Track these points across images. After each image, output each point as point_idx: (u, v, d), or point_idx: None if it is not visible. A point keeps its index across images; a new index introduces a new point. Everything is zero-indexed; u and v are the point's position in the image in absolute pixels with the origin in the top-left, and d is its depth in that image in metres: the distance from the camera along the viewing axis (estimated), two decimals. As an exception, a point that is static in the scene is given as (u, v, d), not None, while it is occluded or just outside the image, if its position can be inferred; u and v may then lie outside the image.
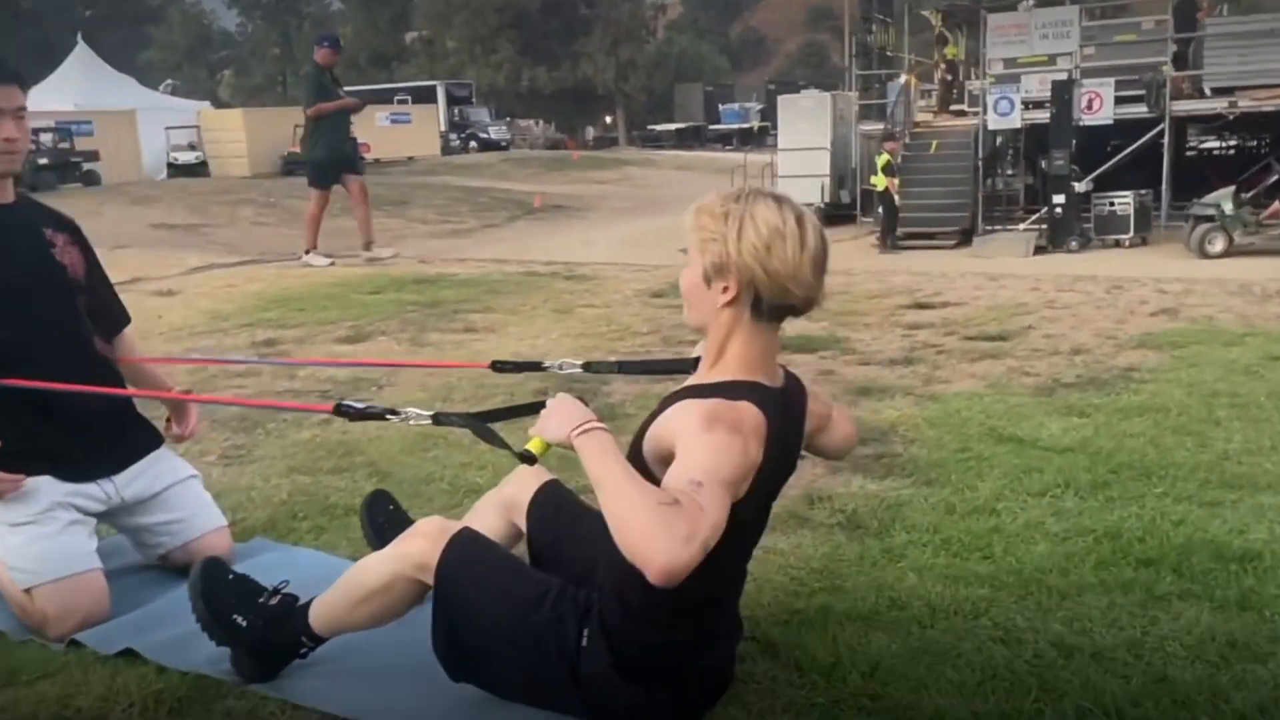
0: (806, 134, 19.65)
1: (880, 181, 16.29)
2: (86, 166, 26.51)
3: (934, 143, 17.69)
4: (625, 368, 2.74)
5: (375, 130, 34.75)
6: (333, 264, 9.20)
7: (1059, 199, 14.34)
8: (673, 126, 48.64)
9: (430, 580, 2.02)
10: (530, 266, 8.70)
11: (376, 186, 9.98)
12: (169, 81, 51.78)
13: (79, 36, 35.68)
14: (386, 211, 17.13)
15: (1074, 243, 14.07)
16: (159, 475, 2.79)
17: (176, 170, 29.78)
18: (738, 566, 2.01)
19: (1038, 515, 3.00)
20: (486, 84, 47.25)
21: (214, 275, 8.94)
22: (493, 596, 1.99)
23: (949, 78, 19.75)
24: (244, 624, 2.19)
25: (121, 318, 2.93)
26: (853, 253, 16.72)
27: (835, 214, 19.47)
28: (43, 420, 2.56)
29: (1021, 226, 15.84)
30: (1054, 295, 6.60)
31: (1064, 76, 14.95)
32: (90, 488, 2.64)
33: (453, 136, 39.89)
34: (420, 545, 2.03)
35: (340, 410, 2.20)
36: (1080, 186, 14.39)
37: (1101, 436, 3.68)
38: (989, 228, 16.26)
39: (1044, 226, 14.92)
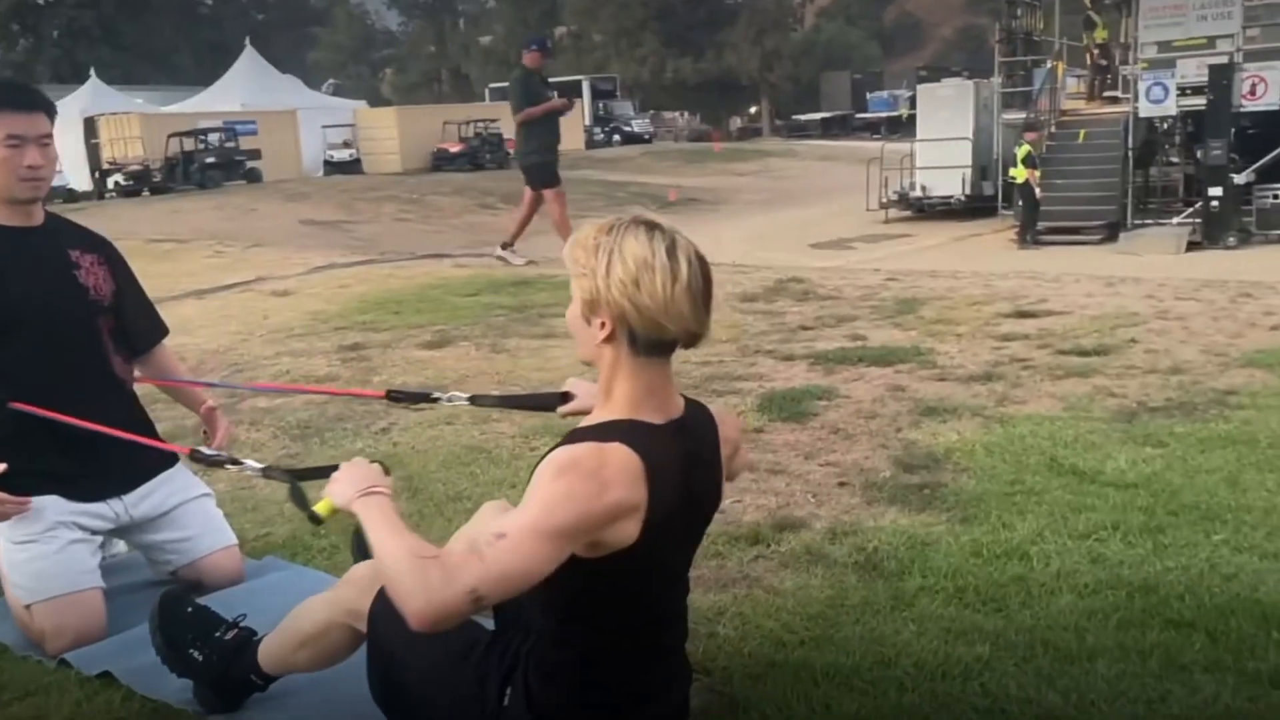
0: (947, 123, 19.01)
1: (1020, 173, 15.61)
2: (250, 165, 27.94)
3: (1081, 132, 16.83)
4: (504, 402, 2.67)
5: (521, 125, 35.56)
6: (528, 263, 9.27)
7: (1215, 191, 13.44)
8: (818, 116, 47.91)
9: (363, 628, 1.98)
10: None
11: (518, 182, 10.05)
12: (331, 81, 54.10)
13: (247, 40, 37.49)
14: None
15: (1232, 238, 13.16)
16: (170, 494, 2.85)
17: (332, 167, 31.06)
18: (652, 617, 1.87)
19: (1072, 562, 2.76)
20: (631, 77, 47.56)
21: (331, 275, 9.22)
22: (418, 649, 1.93)
23: (1101, 63, 18.74)
24: (200, 658, 2.21)
25: (154, 332, 3.00)
26: (987, 249, 16.12)
27: (976, 207, 18.81)
28: (51, 442, 2.64)
29: (1175, 221, 14.88)
30: (1170, 304, 6.13)
31: (1224, 60, 13.95)
32: (98, 507, 2.72)
33: (597, 130, 40.35)
34: (352, 593, 2.00)
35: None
36: (1240, 178, 13.43)
37: (1172, 470, 3.37)
38: (1140, 222, 15.37)
39: (1199, 221, 14.00)
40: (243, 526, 3.26)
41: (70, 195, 25.29)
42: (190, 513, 2.87)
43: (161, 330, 3.03)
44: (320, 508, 1.85)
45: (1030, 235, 14.88)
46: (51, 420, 2.59)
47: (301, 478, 2.08)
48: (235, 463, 2.27)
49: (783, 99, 51.19)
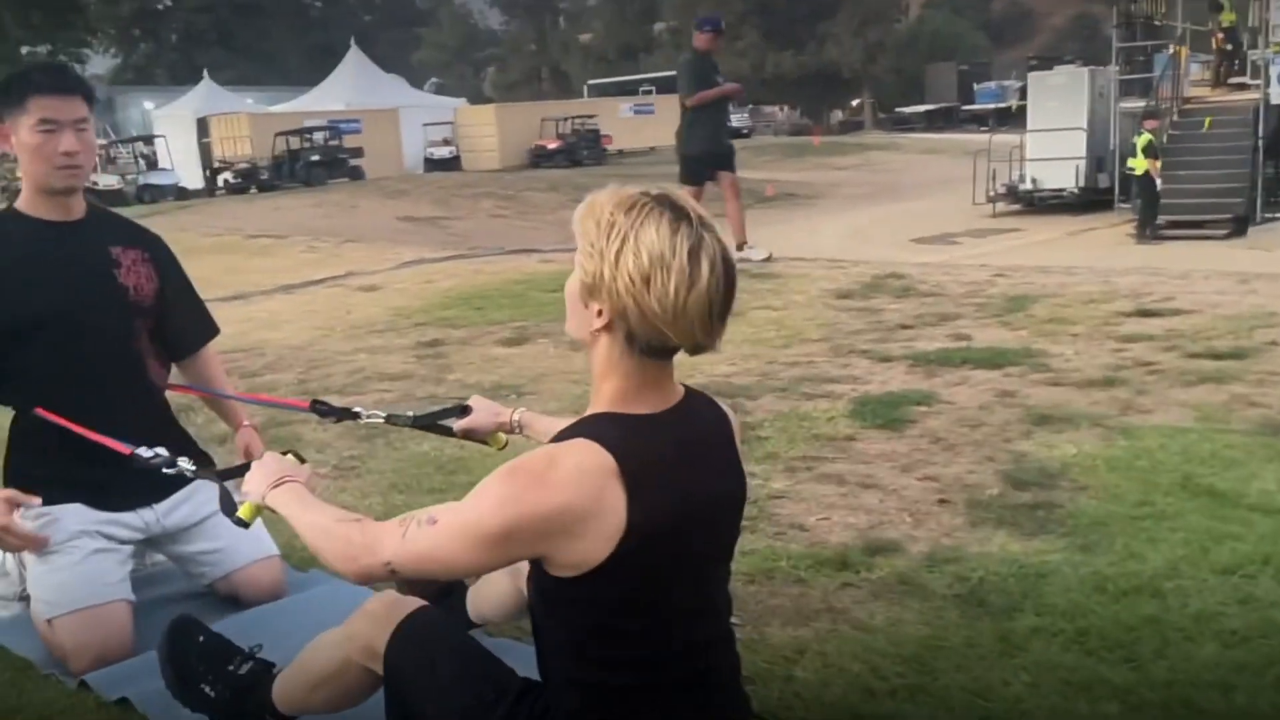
0: (1059, 113, 18.14)
1: (1140, 164, 14.78)
2: (352, 162, 28.36)
3: (1207, 120, 15.89)
4: (417, 422, 2.42)
5: (618, 121, 35.45)
6: (769, 257, 8.35)
7: (1355, 183, 12.47)
8: (923, 108, 46.68)
9: (379, 668, 1.73)
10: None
11: (612, 176, 9.75)
12: (433, 80, 54.86)
13: (352, 40, 38.18)
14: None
15: (1373, 232, 12.18)
16: (204, 503, 2.64)
17: (432, 165, 31.38)
18: (678, 638, 1.57)
19: (1216, 603, 2.37)
20: (730, 71, 46.94)
21: (419, 270, 9.12)
22: (440, 694, 1.67)
23: (1228, 47, 17.67)
24: (212, 694, 1.99)
25: (203, 333, 2.82)
26: (1103, 243, 15.28)
27: (1090, 200, 17.91)
28: (78, 449, 2.45)
29: (1311, 214, 13.91)
30: (1315, 303, 5.56)
31: (1367, 41, 12.95)
32: (127, 516, 2.53)
33: (694, 125, 39.94)
34: (367, 629, 1.75)
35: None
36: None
37: (1331, 495, 2.93)
38: (1271, 215, 14.42)
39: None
40: (291, 535, 3.05)
41: (181, 193, 26.02)
42: (224, 522, 2.63)
43: (210, 331, 2.84)
44: (243, 511, 1.84)
45: (1150, 229, 14.05)
46: (81, 423, 2.41)
47: (224, 478, 2.07)
48: (170, 465, 2.22)
49: (886, 92, 50.05)
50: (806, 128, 44.52)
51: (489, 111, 35.32)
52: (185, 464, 2.22)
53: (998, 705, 2.01)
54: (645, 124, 35.49)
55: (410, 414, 2.42)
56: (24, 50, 27.46)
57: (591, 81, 45.97)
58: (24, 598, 2.56)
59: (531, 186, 23.94)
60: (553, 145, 31.76)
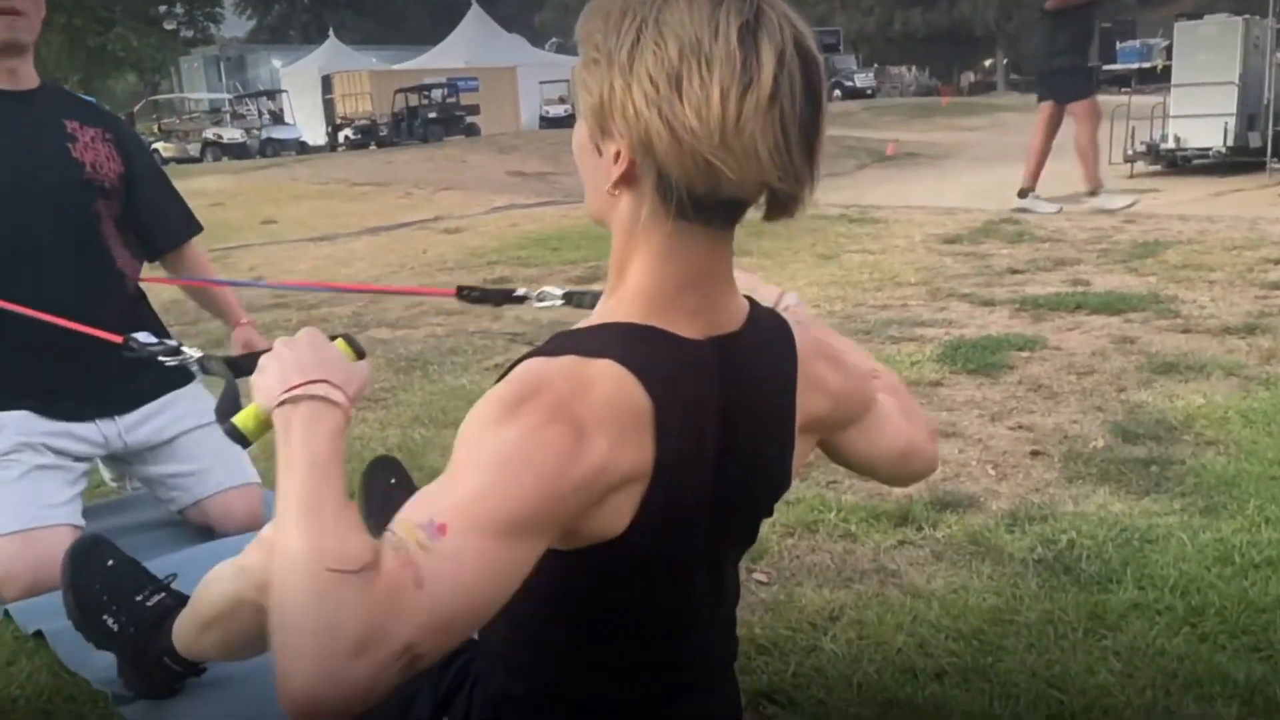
0: (1209, 67, 16.75)
1: (1297, 119, 13.49)
2: (469, 120, 28.39)
3: (1376, 71, 14.40)
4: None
5: (737, 80, 34.66)
6: (1060, 211, 7.25)
7: None
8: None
9: (275, 607, 1.37)
10: (820, 209, 7.76)
11: None
12: (554, 40, 54.69)
13: (473, 0, 38.27)
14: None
15: None
16: (175, 419, 2.35)
17: (547, 123, 31.21)
18: (667, 648, 1.12)
19: (1377, 583, 1.85)
20: (856, 30, 45.56)
21: (506, 215, 8.84)
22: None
23: None
24: (115, 627, 1.68)
25: (184, 228, 2.51)
26: (1250, 204, 14.03)
27: (1239, 162, 16.58)
28: (24, 345, 2.17)
29: None
30: None
31: None
32: (83, 428, 2.25)
33: (817, 85, 38.93)
34: (262, 559, 1.39)
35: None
36: None
37: None
38: None
39: None
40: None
41: (302, 148, 26.46)
42: (199, 442, 2.37)
43: (193, 226, 2.54)
44: (241, 419, 1.10)
45: (1306, 190, 12.83)
46: (22, 318, 2.11)
47: (237, 369, 1.39)
48: (174, 353, 1.70)
49: (1021, 52, 47.81)
50: (934, 89, 42.86)
51: (606, 70, 34.99)
52: (191, 351, 1.72)
53: (1075, 699, 1.55)
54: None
55: (597, 289, 1.79)
56: (161, 9, 28.12)
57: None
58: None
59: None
60: (672, 106, 31.30)
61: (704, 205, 0.94)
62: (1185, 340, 3.62)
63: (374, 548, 0.83)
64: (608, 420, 0.91)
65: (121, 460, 2.39)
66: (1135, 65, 44.94)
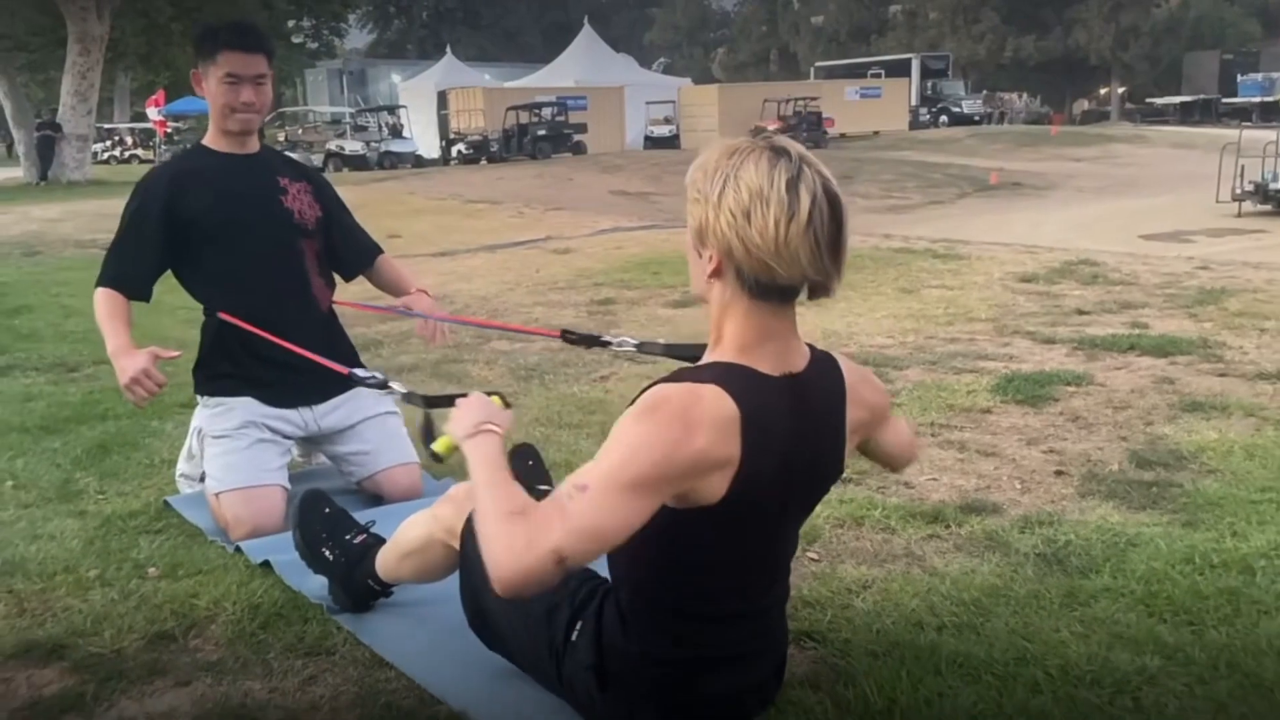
0: (1325, 105, 16.67)
1: None
2: (576, 138, 29.28)
3: None
4: (670, 351, 2.38)
5: (843, 104, 34.93)
6: None
7: None
8: (1178, 100, 43.54)
9: (458, 545, 1.98)
10: (909, 243, 8.22)
11: (831, 160, 9.72)
12: (661, 60, 55.70)
13: (585, 19, 39.31)
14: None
15: None
16: (357, 409, 3.01)
17: (652, 143, 31.94)
18: (740, 579, 1.70)
19: (1307, 584, 2.30)
20: (966, 55, 45.40)
21: (611, 237, 9.48)
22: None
23: None
24: (330, 558, 2.31)
25: (366, 255, 3.17)
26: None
27: (1351, 201, 16.31)
28: (252, 350, 2.85)
29: None
30: None
31: None
32: (289, 413, 2.92)
33: (923, 110, 38.93)
34: (449, 510, 2.00)
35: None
36: None
37: None
38: None
39: None
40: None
41: (418, 161, 27.65)
42: (372, 428, 3.02)
43: (373, 253, 3.19)
44: (440, 445, 1.77)
45: None
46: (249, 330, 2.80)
47: (431, 405, 1.99)
48: (383, 386, 2.33)
49: (1137, 81, 47.02)
50: (1045, 116, 42.46)
51: (712, 91, 35.58)
52: (398, 387, 2.25)
53: (1038, 646, 2.06)
54: (870, 108, 34.86)
55: (661, 342, 2.44)
56: (289, 24, 29.69)
57: (818, 64, 45.45)
58: (205, 478, 2.99)
59: (746, 165, 23.98)
60: (772, 125, 31.59)
61: (768, 290, 1.54)
62: (1219, 383, 4.03)
63: (530, 502, 1.48)
64: (708, 423, 1.49)
65: (313, 441, 3.05)
66: (1257, 99, 43.70)
